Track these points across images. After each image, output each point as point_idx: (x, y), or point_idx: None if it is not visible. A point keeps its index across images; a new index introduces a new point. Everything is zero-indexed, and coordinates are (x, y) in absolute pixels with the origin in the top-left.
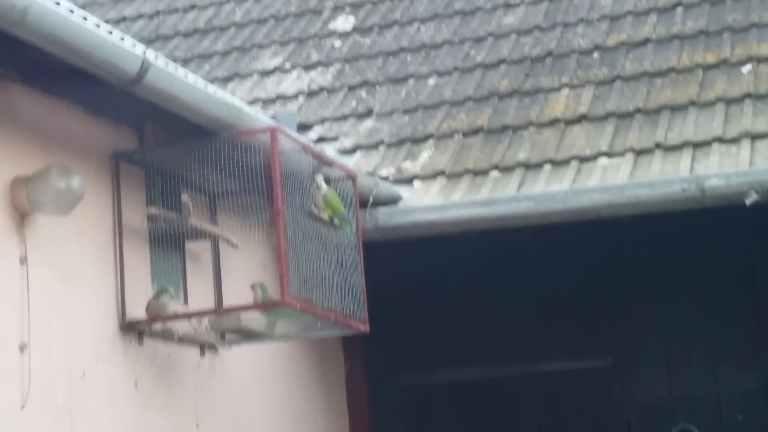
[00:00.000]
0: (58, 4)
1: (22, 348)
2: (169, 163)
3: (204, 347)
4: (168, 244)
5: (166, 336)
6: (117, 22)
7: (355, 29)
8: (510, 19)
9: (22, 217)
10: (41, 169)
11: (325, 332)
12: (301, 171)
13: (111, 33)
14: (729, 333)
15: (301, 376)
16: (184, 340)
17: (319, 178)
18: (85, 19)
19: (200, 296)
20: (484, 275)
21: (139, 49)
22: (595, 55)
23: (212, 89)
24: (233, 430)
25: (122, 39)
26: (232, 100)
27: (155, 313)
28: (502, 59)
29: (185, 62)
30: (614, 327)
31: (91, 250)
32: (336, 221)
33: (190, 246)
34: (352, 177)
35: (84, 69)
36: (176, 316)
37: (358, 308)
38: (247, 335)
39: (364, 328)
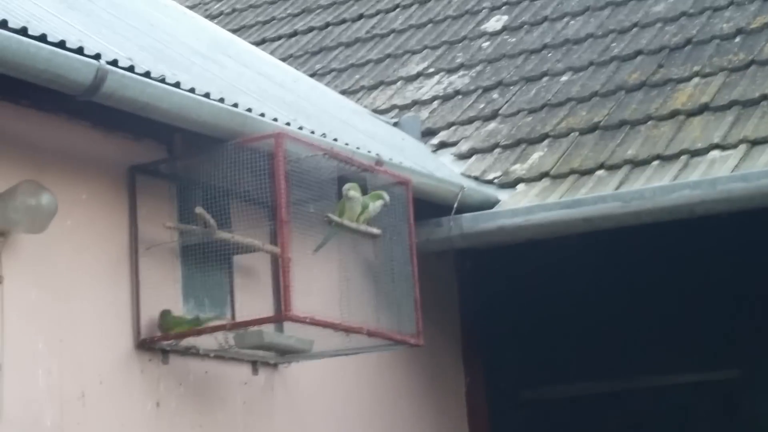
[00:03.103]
0: None
1: None
2: (204, 175)
3: (256, 364)
4: (208, 258)
5: (201, 354)
6: (289, 36)
7: (505, 28)
8: (659, 7)
9: None
10: (11, 187)
11: (368, 347)
12: (325, 177)
13: (61, 43)
14: None
15: (405, 392)
16: (226, 357)
17: (349, 187)
18: (25, 35)
19: (257, 313)
20: (605, 283)
21: (103, 57)
22: (737, 39)
23: (208, 96)
24: None
25: (80, 48)
26: (233, 106)
27: (163, 332)
28: (640, 50)
29: (339, 72)
30: (743, 336)
31: (99, 268)
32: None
33: (245, 260)
34: (403, 182)
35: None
36: (181, 334)
37: (410, 321)
38: (283, 352)
39: (415, 341)
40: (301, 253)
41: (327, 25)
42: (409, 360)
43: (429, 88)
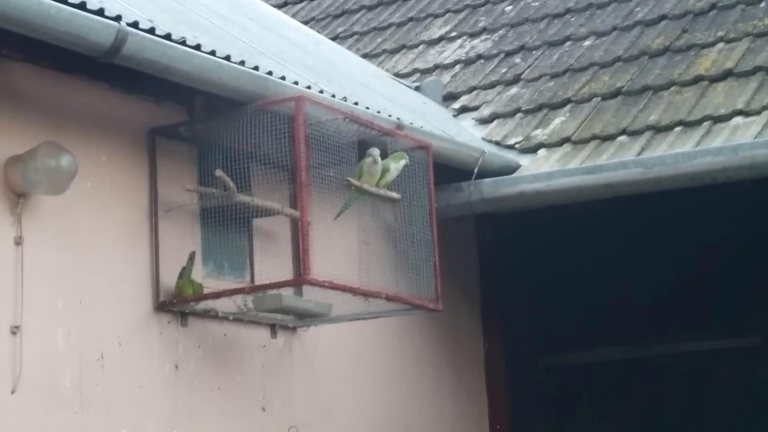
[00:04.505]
0: None
1: (14, 331)
2: (225, 138)
3: (275, 327)
4: (228, 221)
5: (220, 317)
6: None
7: None
8: None
9: (17, 196)
10: (32, 148)
11: (387, 312)
12: (345, 141)
13: (82, 4)
14: None
15: (424, 357)
16: (245, 320)
17: (374, 151)
18: None
19: (276, 276)
20: (625, 249)
21: (124, 19)
22: (762, 4)
23: (228, 59)
24: (318, 414)
25: (101, 9)
26: (253, 69)
27: (178, 294)
28: (664, 15)
29: (361, 36)
30: (764, 303)
31: (119, 230)
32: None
33: (265, 224)
34: (424, 146)
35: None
36: (200, 297)
37: (430, 286)
38: (301, 316)
39: (434, 306)
40: (321, 216)
41: None
42: (428, 325)
43: (451, 52)
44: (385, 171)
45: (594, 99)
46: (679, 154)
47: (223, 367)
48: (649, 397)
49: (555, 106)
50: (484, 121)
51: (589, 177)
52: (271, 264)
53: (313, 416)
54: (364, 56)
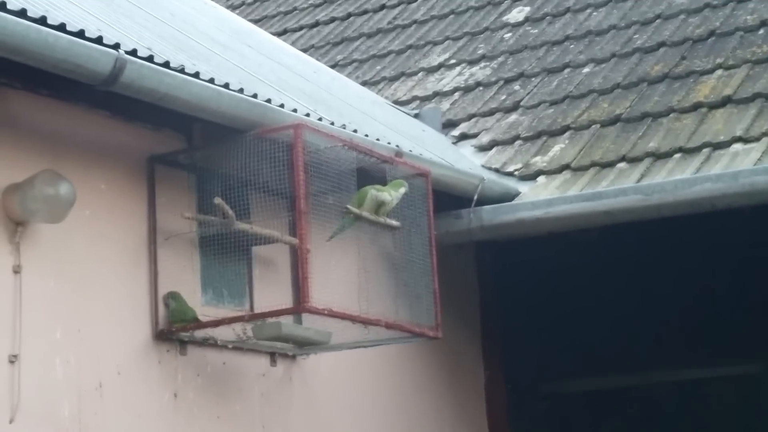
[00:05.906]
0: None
1: (12, 360)
2: (224, 166)
3: (275, 356)
4: (227, 249)
5: (219, 345)
6: (311, 27)
7: (527, 20)
8: None
9: (16, 225)
10: (30, 176)
11: (387, 340)
12: (344, 169)
13: (80, 33)
14: None
15: (424, 385)
16: (244, 348)
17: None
18: (44, 24)
19: (276, 304)
20: (625, 276)
21: (122, 47)
22: (761, 31)
23: (227, 87)
24: None
25: (99, 37)
26: (252, 97)
27: (171, 322)
28: (662, 42)
29: (361, 63)
30: (764, 330)
31: (118, 258)
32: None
33: (264, 251)
34: (423, 173)
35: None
36: (198, 325)
37: (429, 314)
38: (301, 344)
39: (434, 334)
40: (320, 244)
41: (348, 15)
42: (427, 353)
43: (450, 79)
44: (384, 199)
45: (593, 126)
46: (678, 180)
47: (222, 395)
48: (650, 424)
49: (554, 133)
50: (484, 149)
51: (588, 204)
52: (271, 292)
53: None
54: (364, 83)
